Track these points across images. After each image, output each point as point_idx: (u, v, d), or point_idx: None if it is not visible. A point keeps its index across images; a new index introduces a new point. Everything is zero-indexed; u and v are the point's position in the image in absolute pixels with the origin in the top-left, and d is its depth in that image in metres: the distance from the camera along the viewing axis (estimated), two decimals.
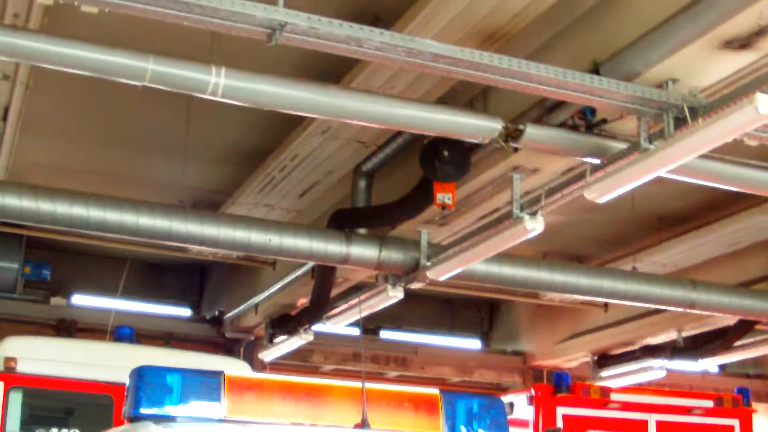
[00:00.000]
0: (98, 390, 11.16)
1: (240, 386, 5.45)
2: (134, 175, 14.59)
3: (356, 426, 5.40)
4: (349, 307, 13.88)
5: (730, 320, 15.82)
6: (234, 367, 11.06)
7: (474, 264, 11.66)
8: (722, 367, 20.23)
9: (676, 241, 14.99)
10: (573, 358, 19.45)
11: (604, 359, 18.67)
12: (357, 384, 5.51)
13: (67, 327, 17.86)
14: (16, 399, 11.29)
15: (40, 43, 7.71)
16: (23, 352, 11.40)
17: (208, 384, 5.36)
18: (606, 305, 17.65)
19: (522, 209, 10.01)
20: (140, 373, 5.35)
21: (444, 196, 10.65)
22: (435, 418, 5.75)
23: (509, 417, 7.37)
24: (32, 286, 18.17)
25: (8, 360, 11.22)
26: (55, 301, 18.73)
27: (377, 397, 5.62)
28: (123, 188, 13.22)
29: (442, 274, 11.69)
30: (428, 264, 11.77)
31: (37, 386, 11.33)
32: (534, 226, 9.91)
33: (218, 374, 5.41)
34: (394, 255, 12.14)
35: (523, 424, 12.48)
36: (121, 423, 5.66)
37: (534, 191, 10.49)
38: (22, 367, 11.23)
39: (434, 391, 5.90)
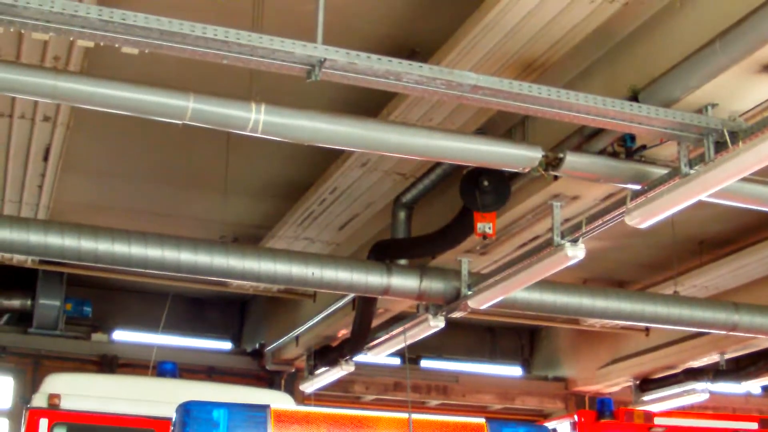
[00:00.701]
0: (142, 425, 11.18)
1: (286, 419, 5.48)
2: (175, 212, 14.70)
3: None
4: (390, 337, 13.86)
5: None
6: (277, 400, 11.08)
7: (515, 292, 11.64)
8: (765, 388, 20.07)
9: (718, 264, 14.92)
10: (615, 383, 19.36)
11: (646, 383, 18.57)
12: (402, 415, 5.52)
13: (109, 362, 17.93)
14: None
15: (81, 85, 7.80)
16: (66, 389, 11.45)
17: (254, 418, 5.39)
18: (647, 329, 17.55)
19: (563, 236, 10.00)
20: (187, 409, 5.39)
21: (484, 226, 10.66)
22: None
23: None
24: (74, 323, 18.25)
25: (52, 397, 11.27)
26: (97, 337, 18.81)
27: (423, 427, 5.62)
28: (164, 225, 13.33)
29: (483, 303, 11.67)
30: (469, 293, 11.75)
31: (81, 422, 11.37)
32: (575, 253, 9.91)
33: (264, 408, 5.44)
34: (434, 285, 12.13)
35: None
36: None
37: (574, 218, 10.49)
38: (65, 404, 11.29)
39: (480, 420, 5.90)
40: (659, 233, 13.12)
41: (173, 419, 5.52)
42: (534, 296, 12.44)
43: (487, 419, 5.90)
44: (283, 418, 5.45)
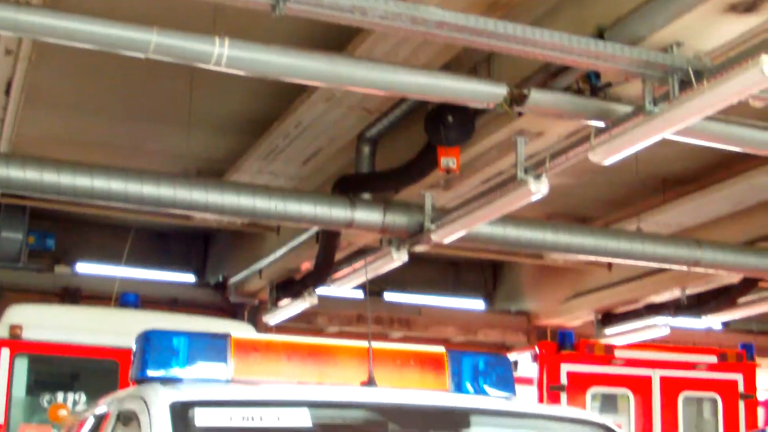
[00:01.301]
0: (103, 355, 11.19)
1: (246, 348, 5.48)
2: (138, 146, 14.61)
3: (362, 384, 5.44)
4: (353, 270, 13.93)
5: (734, 279, 15.88)
6: (239, 330, 11.11)
7: (478, 226, 11.70)
8: (726, 324, 20.28)
9: (680, 202, 15.01)
10: (577, 317, 19.55)
11: (608, 318, 18.76)
12: (363, 343, 5.54)
13: (72, 295, 17.90)
14: (21, 365, 11.34)
15: (43, 18, 7.76)
16: (28, 319, 11.42)
17: (214, 346, 5.39)
18: (610, 265, 17.67)
19: (526, 172, 10.05)
20: (147, 337, 5.38)
21: (448, 161, 10.68)
22: (441, 375, 5.78)
23: (514, 374, 7.42)
24: (36, 256, 18.18)
25: (13, 327, 11.25)
26: (60, 269, 18.77)
27: (383, 356, 5.65)
28: (127, 159, 13.27)
29: (446, 237, 11.74)
30: (433, 227, 11.81)
31: (43, 353, 11.38)
32: (538, 188, 9.97)
33: (225, 336, 5.43)
34: (398, 219, 12.18)
35: (527, 381, 12.55)
36: (127, 387, 5.69)
37: (538, 154, 10.52)
38: (27, 334, 11.26)
39: (440, 349, 5.93)
40: (623, 171, 13.18)
41: (133, 348, 5.51)
42: (497, 231, 12.52)
43: (447, 349, 5.93)
44: (243, 346, 5.46)
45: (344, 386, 5.49)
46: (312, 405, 4.97)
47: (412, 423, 5.42)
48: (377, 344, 5.59)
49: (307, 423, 4.81)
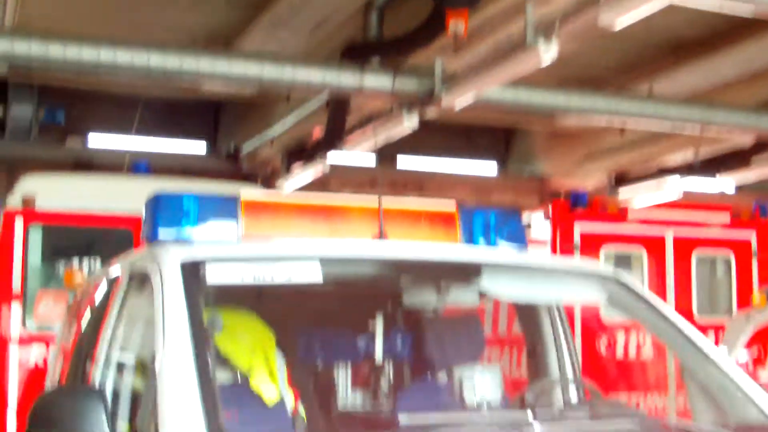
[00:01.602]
0: (117, 223, 11.19)
1: (256, 207, 5.47)
2: (144, 20, 14.45)
3: (373, 237, 5.44)
4: (364, 134, 13.89)
5: (747, 141, 15.82)
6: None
7: (489, 91, 11.65)
8: (739, 189, 20.24)
9: (692, 66, 14.87)
10: (590, 180, 19.56)
11: (622, 181, 18.74)
12: (373, 200, 5.52)
13: (84, 167, 17.81)
14: (36, 235, 11.36)
15: None
16: (41, 189, 11.39)
17: (224, 206, 5.38)
18: (622, 130, 17.60)
19: (536, 36, 9.94)
20: (157, 198, 5.37)
21: (457, 24, 10.57)
22: (452, 230, 5.77)
23: (527, 234, 7.42)
24: (47, 131, 18.15)
25: (27, 197, 11.23)
26: (71, 141, 18.77)
27: (394, 213, 5.63)
28: (133, 32, 13.14)
29: (456, 101, 11.68)
30: (443, 91, 11.73)
31: (56, 222, 11.37)
32: (548, 52, 9.88)
33: (235, 197, 5.42)
34: (408, 84, 12.11)
35: (541, 243, 12.56)
36: None
37: (548, 18, 10.38)
38: (41, 204, 11.25)
39: (451, 204, 5.91)
40: (634, 36, 13.04)
41: (144, 211, 5.51)
42: (508, 95, 12.48)
43: (459, 204, 5.90)
44: (253, 206, 5.45)
45: (355, 240, 5.49)
46: (323, 259, 4.97)
47: (424, 275, 5.44)
48: (388, 201, 5.57)
49: (318, 277, 4.81)
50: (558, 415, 4.55)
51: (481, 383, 4.60)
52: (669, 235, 13.45)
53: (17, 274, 11.18)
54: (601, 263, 12.39)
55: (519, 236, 5.95)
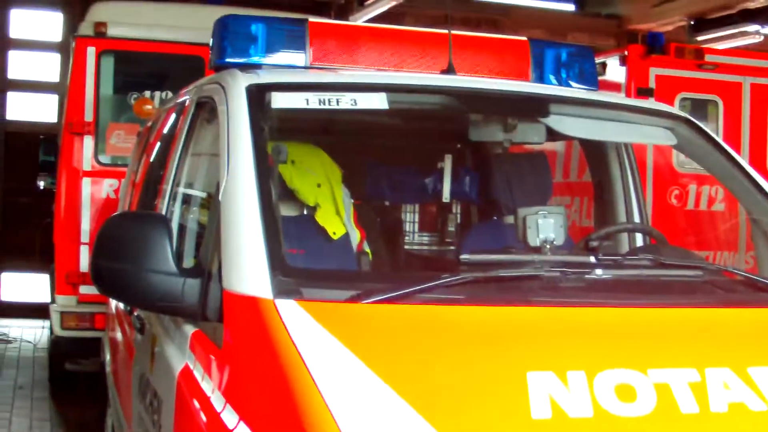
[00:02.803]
0: (188, 51, 11.06)
1: (324, 33, 5.40)
2: None
3: (442, 71, 5.36)
4: None
5: None
6: None
7: None
8: None
9: None
10: (669, 21, 19.12)
11: (701, 24, 18.32)
12: (443, 30, 5.43)
13: None
14: (108, 64, 11.26)
15: None
16: (113, 16, 11.24)
17: (292, 32, 5.31)
18: None
19: None
20: (225, 22, 5.31)
21: None
22: (523, 65, 5.68)
23: (601, 77, 7.30)
24: None
25: (98, 24, 11.08)
26: None
27: (464, 43, 5.53)
28: None
29: None
30: None
31: (129, 50, 11.27)
32: None
33: (302, 22, 5.35)
34: None
35: (615, 87, 12.36)
36: None
37: None
38: (112, 31, 11.11)
39: (522, 38, 5.80)
40: None
41: (211, 36, 5.45)
42: None
43: (530, 38, 5.79)
44: (321, 31, 5.37)
45: (423, 73, 5.42)
46: (389, 89, 4.90)
47: (492, 109, 5.36)
48: (458, 32, 5.47)
49: (384, 105, 4.75)
50: (621, 260, 4.49)
51: (545, 225, 4.53)
52: (746, 83, 13.13)
53: (89, 105, 11.08)
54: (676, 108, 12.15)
55: (591, 76, 5.84)
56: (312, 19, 5.46)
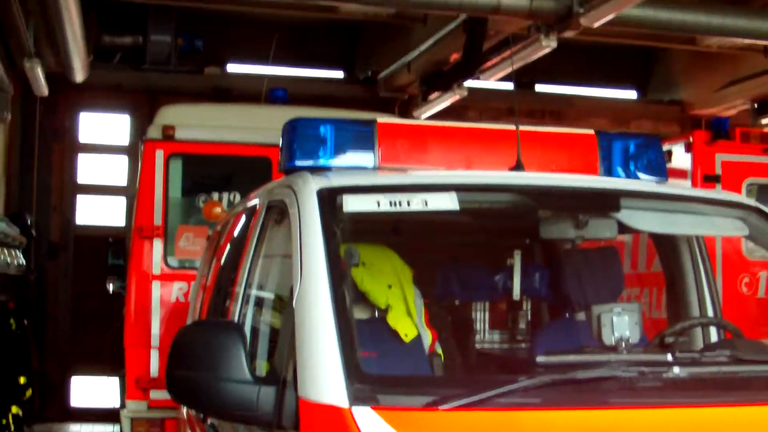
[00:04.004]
0: (256, 152, 11.09)
1: (393, 134, 5.42)
2: None
3: (511, 168, 5.34)
4: (501, 59, 13.72)
5: None
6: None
7: (628, 9, 11.39)
8: None
9: None
10: (732, 105, 19.00)
11: (764, 106, 18.19)
12: (510, 127, 5.43)
13: (222, 95, 17.93)
14: (176, 166, 11.31)
15: None
16: (180, 119, 11.33)
17: (360, 133, 5.34)
18: (766, 49, 17.03)
19: None
20: (293, 126, 5.35)
21: None
22: (592, 159, 5.65)
23: (668, 165, 7.23)
24: (186, 58, 18.27)
25: (166, 128, 11.16)
26: (210, 70, 18.86)
27: (532, 139, 5.53)
28: None
29: (595, 20, 11.42)
30: (581, 10, 11.49)
31: (197, 152, 11.31)
32: None
33: (370, 123, 5.38)
34: (545, 3, 11.88)
35: (681, 174, 12.27)
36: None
37: None
38: (180, 134, 11.18)
39: (590, 131, 5.79)
40: None
41: (281, 140, 5.49)
42: (648, 13, 12.22)
43: (597, 131, 5.77)
44: (389, 132, 5.40)
45: (492, 170, 5.41)
46: (460, 188, 4.90)
47: (562, 206, 5.33)
48: (525, 127, 5.47)
49: (455, 205, 4.74)
50: (699, 357, 4.42)
51: (620, 323, 4.49)
52: None
53: (158, 208, 11.09)
54: (743, 196, 12.04)
55: (659, 166, 5.80)
56: (380, 119, 5.49)
